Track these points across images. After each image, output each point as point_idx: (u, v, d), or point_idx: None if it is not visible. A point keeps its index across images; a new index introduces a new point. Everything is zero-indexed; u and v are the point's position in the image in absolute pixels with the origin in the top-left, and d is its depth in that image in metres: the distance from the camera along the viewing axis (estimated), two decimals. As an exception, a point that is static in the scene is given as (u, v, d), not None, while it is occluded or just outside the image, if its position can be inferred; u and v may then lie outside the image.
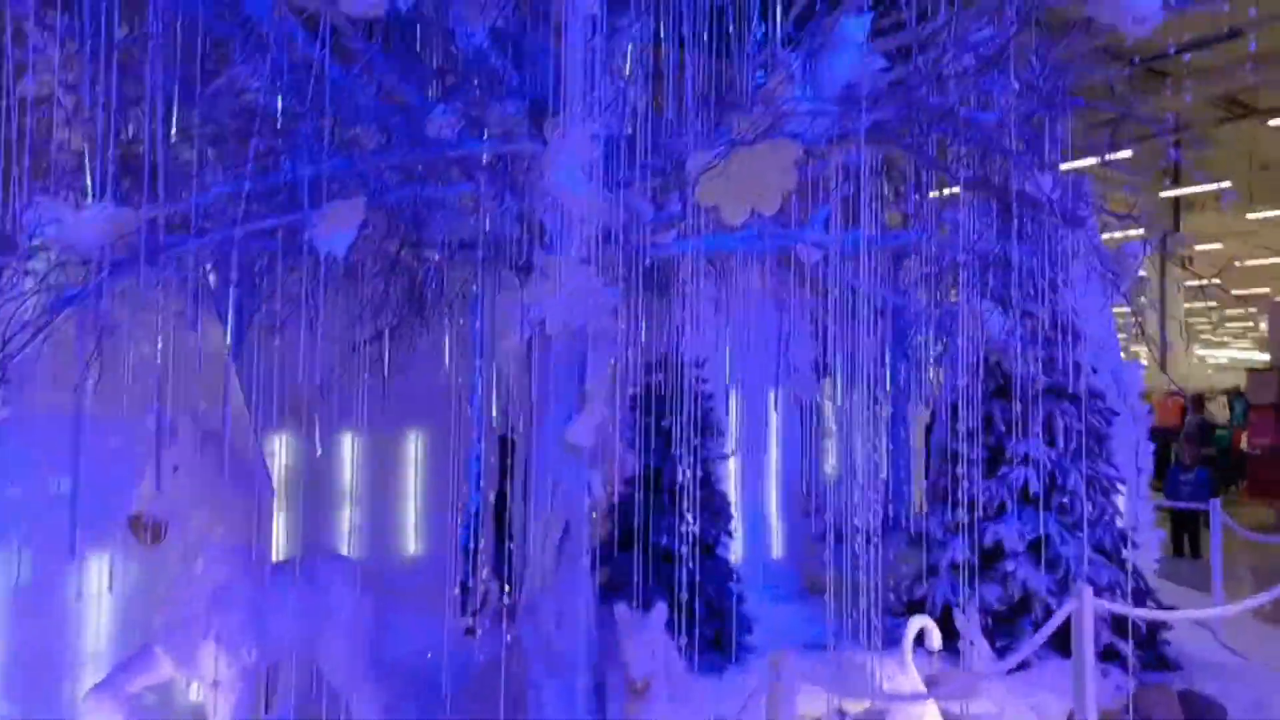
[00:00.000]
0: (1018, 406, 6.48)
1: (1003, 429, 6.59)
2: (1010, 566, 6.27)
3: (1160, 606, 6.69)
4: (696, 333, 6.60)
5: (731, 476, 8.22)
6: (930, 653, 5.45)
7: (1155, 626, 6.59)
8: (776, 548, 8.58)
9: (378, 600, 4.49)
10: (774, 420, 8.50)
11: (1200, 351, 51.37)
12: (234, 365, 4.94)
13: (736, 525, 8.29)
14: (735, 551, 8.26)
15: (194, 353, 4.64)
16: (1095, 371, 6.88)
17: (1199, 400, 18.01)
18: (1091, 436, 6.66)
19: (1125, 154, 18.90)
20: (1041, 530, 6.36)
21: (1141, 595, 6.57)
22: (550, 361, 3.72)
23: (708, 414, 6.67)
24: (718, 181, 2.53)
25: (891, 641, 6.89)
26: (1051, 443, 6.48)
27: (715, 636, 6.21)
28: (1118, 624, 6.38)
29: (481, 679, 5.17)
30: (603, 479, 3.88)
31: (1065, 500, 6.39)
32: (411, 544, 6.92)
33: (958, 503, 6.68)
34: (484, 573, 7.58)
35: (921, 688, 5.20)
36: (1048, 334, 6.55)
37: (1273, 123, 18.08)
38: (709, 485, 6.65)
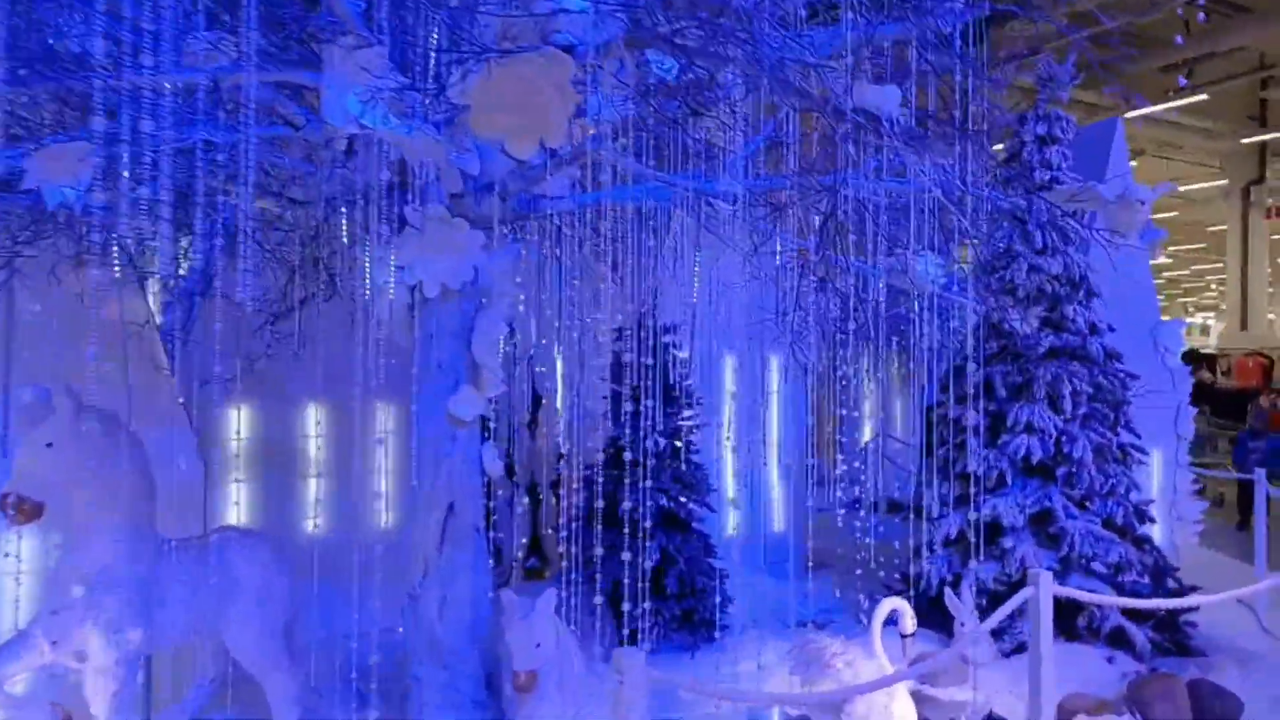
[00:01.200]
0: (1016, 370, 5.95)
1: (1004, 394, 6.05)
2: (1009, 543, 5.78)
3: (1181, 587, 6.09)
4: (667, 294, 6.25)
5: (726, 448, 7.86)
6: (904, 635, 5.03)
7: (1177, 608, 6.02)
8: (778, 521, 8.19)
9: (293, 578, 4.29)
10: (774, 388, 8.07)
11: (1296, 309, 48.28)
12: (159, 338, 4.79)
13: (734, 498, 7.97)
14: (728, 525, 7.92)
15: (112, 325, 4.50)
16: (1112, 330, 6.25)
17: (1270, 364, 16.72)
18: (1105, 401, 6.06)
19: (1200, 98, 17.49)
20: (1044, 505, 5.83)
21: (1160, 575, 5.99)
22: (430, 326, 3.42)
23: (682, 382, 6.31)
24: (489, 105, 2.17)
25: (889, 621, 6.49)
26: (1058, 408, 5.92)
27: (686, 615, 5.90)
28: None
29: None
30: (500, 453, 3.58)
31: (1071, 470, 5.84)
32: (383, 517, 6.76)
33: (956, 476, 6.20)
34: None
35: (889, 672, 4.80)
36: (1055, 289, 5.97)
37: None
38: (682, 456, 6.30)
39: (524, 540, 7.37)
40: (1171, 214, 29.57)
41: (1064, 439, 5.85)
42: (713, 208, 3.61)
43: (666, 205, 3.90)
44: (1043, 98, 6.27)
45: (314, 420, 6.33)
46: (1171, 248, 35.51)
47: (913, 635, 5.04)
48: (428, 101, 2.51)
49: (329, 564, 4.62)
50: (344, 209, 3.35)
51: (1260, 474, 7.36)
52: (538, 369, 7.52)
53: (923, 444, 8.09)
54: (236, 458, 6.13)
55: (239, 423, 6.28)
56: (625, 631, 5.84)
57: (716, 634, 6.14)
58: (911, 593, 6.47)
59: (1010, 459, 5.91)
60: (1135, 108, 17.07)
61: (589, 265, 4.91)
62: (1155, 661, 5.54)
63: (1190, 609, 6.08)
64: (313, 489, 6.32)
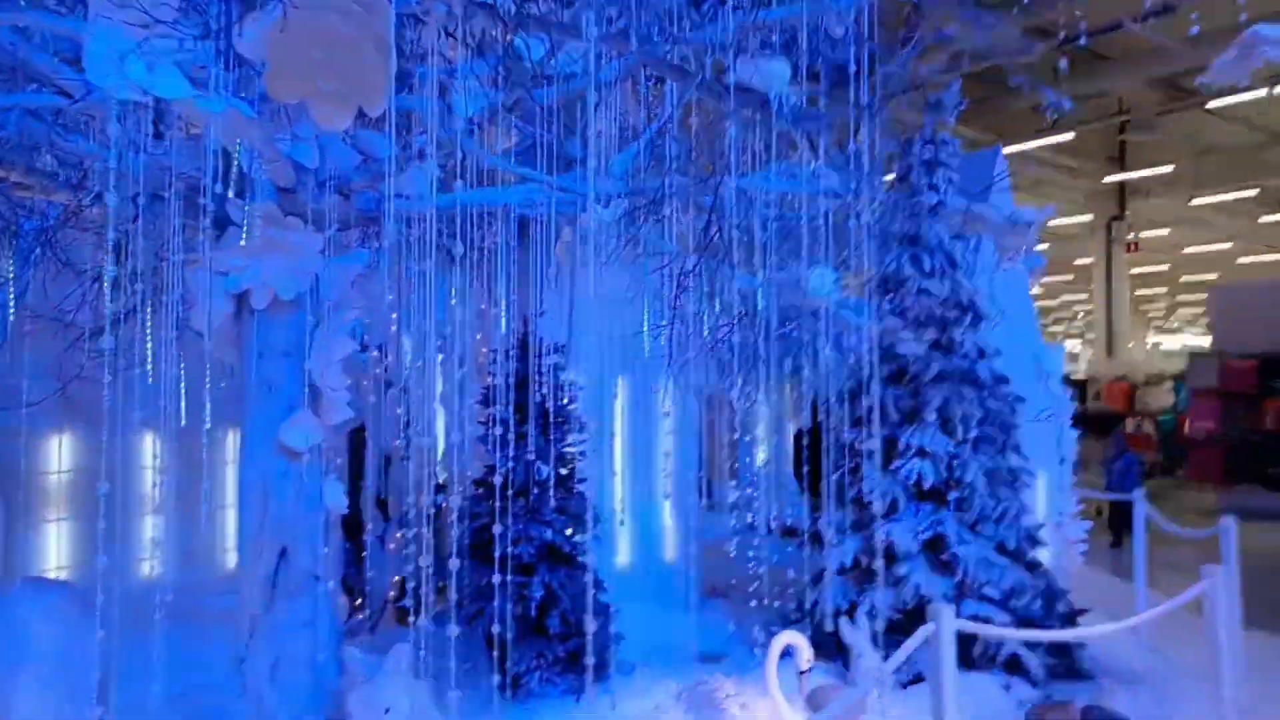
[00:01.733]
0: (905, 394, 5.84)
1: (896, 418, 5.93)
2: (903, 570, 5.62)
3: (1071, 610, 6.07)
4: (549, 311, 5.89)
5: (619, 477, 7.52)
6: (801, 671, 4.79)
7: (1069, 624, 5.98)
8: (670, 552, 7.88)
9: (91, 632, 3.69)
10: (666, 414, 7.79)
11: (1153, 338, 51.76)
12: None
13: (624, 528, 7.62)
14: (620, 555, 7.57)
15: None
16: (999, 354, 6.24)
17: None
18: (995, 425, 6.02)
19: (1066, 136, 18.31)
20: (937, 530, 5.71)
21: (1052, 598, 5.95)
22: (259, 342, 2.96)
23: (565, 406, 5.94)
24: (289, 63, 1.80)
25: (784, 654, 6.24)
26: (949, 432, 5.83)
27: (571, 656, 5.49)
28: (1022, 628, 5.76)
29: None
30: (343, 487, 3.12)
31: (963, 495, 5.75)
32: (229, 558, 6.11)
33: (851, 501, 6.04)
34: (329, 584, 6.80)
35: (787, 712, 4.53)
36: (944, 313, 5.91)
37: (1212, 104, 17.70)
38: (567, 486, 5.92)
39: (396, 579, 6.82)
40: (1042, 246, 31.07)
41: (955, 463, 5.77)
42: (590, 212, 3.29)
43: (538, 211, 3.56)
44: (929, 121, 6.26)
45: (150, 450, 5.67)
46: (1043, 278, 37.43)
47: (809, 670, 4.80)
48: (230, 67, 2.11)
49: (167, 612, 4.04)
50: (153, 204, 2.87)
51: (1139, 493, 7.51)
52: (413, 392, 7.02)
53: (797, 467, 7.97)
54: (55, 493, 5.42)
55: (60, 454, 5.57)
56: (505, 677, 5.40)
57: (607, 675, 5.75)
58: (807, 623, 6.27)
59: (903, 484, 5.78)
60: (1009, 144, 17.82)
61: (457, 278, 4.51)
62: (1049, 687, 5.46)
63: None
64: (149, 528, 5.65)
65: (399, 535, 6.92)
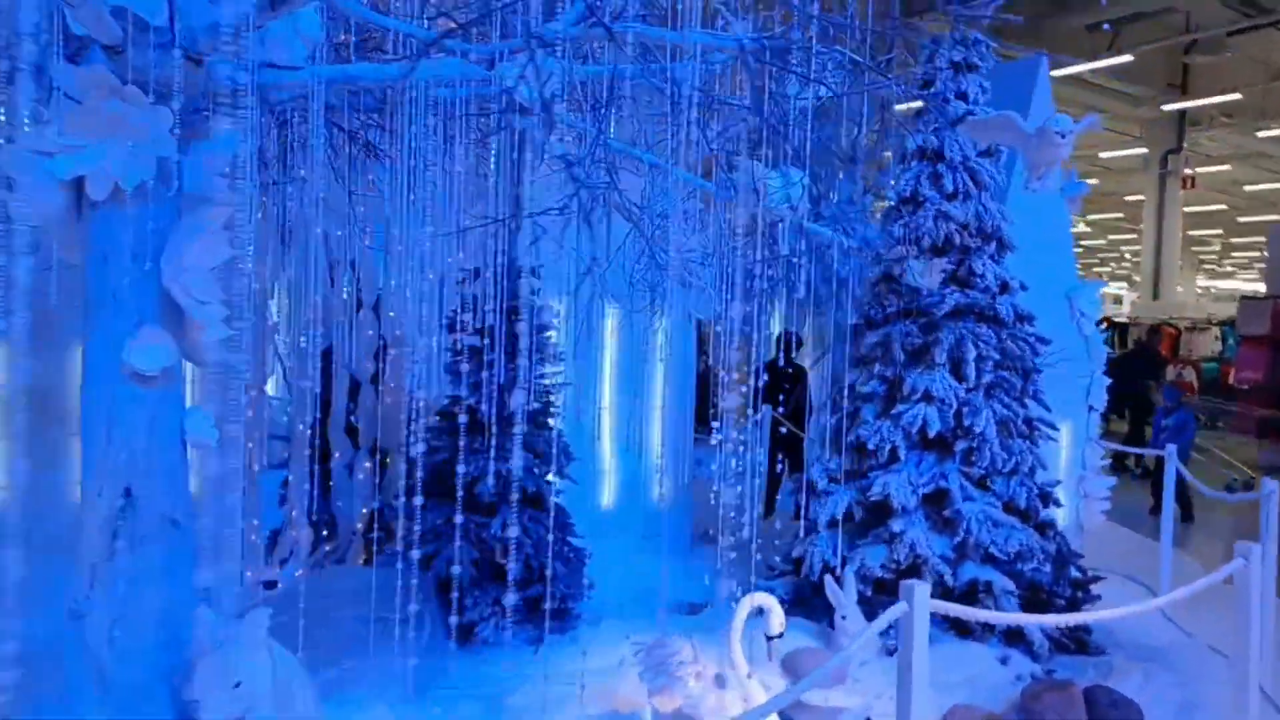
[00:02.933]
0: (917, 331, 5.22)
1: (902, 358, 5.31)
2: (899, 526, 5.08)
3: (1085, 577, 5.52)
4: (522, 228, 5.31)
5: (606, 412, 7.01)
6: (770, 637, 4.31)
7: (1079, 591, 5.45)
8: (659, 493, 7.41)
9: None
10: (659, 345, 7.23)
11: (1205, 282, 49.78)
12: None
13: (611, 468, 7.15)
14: (604, 496, 7.11)
15: None
16: (1025, 289, 5.56)
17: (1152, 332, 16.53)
18: (1014, 369, 5.38)
19: (1125, 58, 17.00)
20: (939, 484, 5.15)
21: (1063, 563, 5.39)
22: (102, 242, 2.44)
23: (541, 334, 5.40)
24: None
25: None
26: (961, 376, 5.21)
27: (532, 603, 5.06)
28: (1027, 595, 5.24)
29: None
30: (209, 417, 2.63)
31: (972, 446, 5.16)
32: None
33: (849, 447, 5.48)
34: (292, 514, 6.45)
35: (748, 684, 4.08)
36: (965, 240, 5.23)
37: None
38: (539, 421, 5.41)
39: (365, 511, 6.43)
40: (1091, 181, 29.62)
41: (965, 410, 5.16)
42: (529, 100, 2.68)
43: (455, 92, 2.94)
44: (958, 19, 5.45)
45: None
46: (1090, 215, 35.91)
47: (779, 636, 4.32)
48: None
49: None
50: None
51: (1171, 450, 6.86)
52: (389, 314, 6.53)
53: (756, 401, 7.38)
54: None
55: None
56: (455, 621, 5.00)
57: (573, 626, 5.34)
58: (794, 577, 5.79)
59: (905, 431, 5.19)
60: (1059, 66, 16.58)
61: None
62: (1053, 662, 4.95)
63: (1092, 598, 5.52)
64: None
65: (367, 465, 6.52)
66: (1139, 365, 13.58)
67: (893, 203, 5.54)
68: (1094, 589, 5.57)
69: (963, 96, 5.38)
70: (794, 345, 8.35)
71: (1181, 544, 9.26)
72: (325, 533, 6.42)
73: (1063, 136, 4.11)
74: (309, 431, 6.51)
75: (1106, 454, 7.60)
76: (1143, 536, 8.98)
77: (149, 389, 2.51)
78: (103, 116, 2.27)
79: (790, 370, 8.38)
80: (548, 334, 5.45)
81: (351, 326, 6.34)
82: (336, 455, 6.47)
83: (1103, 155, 26.23)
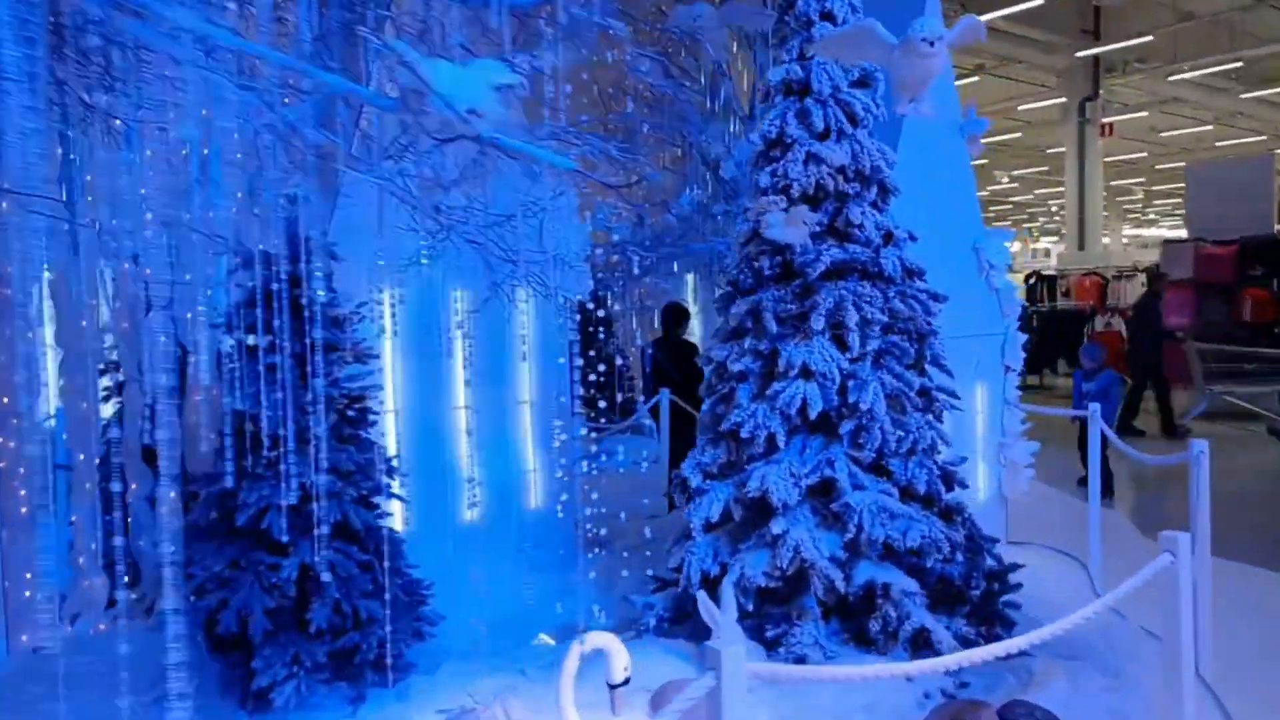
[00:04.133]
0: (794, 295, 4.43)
1: (775, 329, 4.52)
2: (780, 526, 4.30)
3: (1001, 565, 4.82)
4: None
5: (463, 413, 6.11)
6: (613, 686, 3.51)
7: (995, 583, 4.75)
8: (536, 499, 6.55)
9: None
10: (525, 330, 6.36)
11: (1131, 231, 50.47)
12: None
13: (471, 475, 6.26)
14: (466, 509, 6.23)
15: None
16: (913, 239, 4.80)
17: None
18: (905, 332, 4.63)
19: (1035, 2, 16.53)
20: (824, 474, 4.38)
21: (976, 552, 4.68)
22: None
23: (340, 322, 4.47)
24: None
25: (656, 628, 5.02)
26: (844, 345, 4.44)
27: (345, 654, 4.17)
28: (939, 591, 4.52)
29: None
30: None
31: (859, 425, 4.39)
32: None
33: (721, 436, 4.68)
34: (79, 560, 5.46)
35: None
36: (840, 186, 4.44)
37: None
38: (341, 434, 4.49)
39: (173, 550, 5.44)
40: (1014, 135, 29.49)
41: (850, 384, 4.39)
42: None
43: None
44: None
45: None
46: (1016, 170, 35.87)
47: (624, 684, 3.51)
48: None
49: None
50: None
51: (1095, 409, 6.22)
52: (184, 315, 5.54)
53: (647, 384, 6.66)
54: None
55: None
56: (246, 693, 4.09)
57: (402, 675, 4.46)
58: (676, 589, 5.00)
59: (783, 414, 4.40)
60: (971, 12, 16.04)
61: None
62: (963, 673, 4.22)
63: (1012, 587, 4.83)
64: None
65: (172, 495, 5.53)
66: (1141, 326, 12.82)
67: (758, 147, 4.73)
68: (1019, 566, 4.89)
69: (829, 16, 4.57)
70: (681, 319, 7.57)
71: (1117, 503, 8.74)
72: (127, 579, 5.44)
73: (931, 45, 3.32)
74: (96, 460, 5.53)
75: (1030, 417, 6.95)
76: (1069, 497, 8.42)
77: None
78: None
79: (680, 347, 7.59)
80: (349, 326, 4.52)
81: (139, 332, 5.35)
82: (134, 486, 5.47)
83: (1021, 108, 25.95)
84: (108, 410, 5.58)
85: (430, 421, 5.93)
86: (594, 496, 7.36)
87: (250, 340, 4.20)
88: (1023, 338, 6.74)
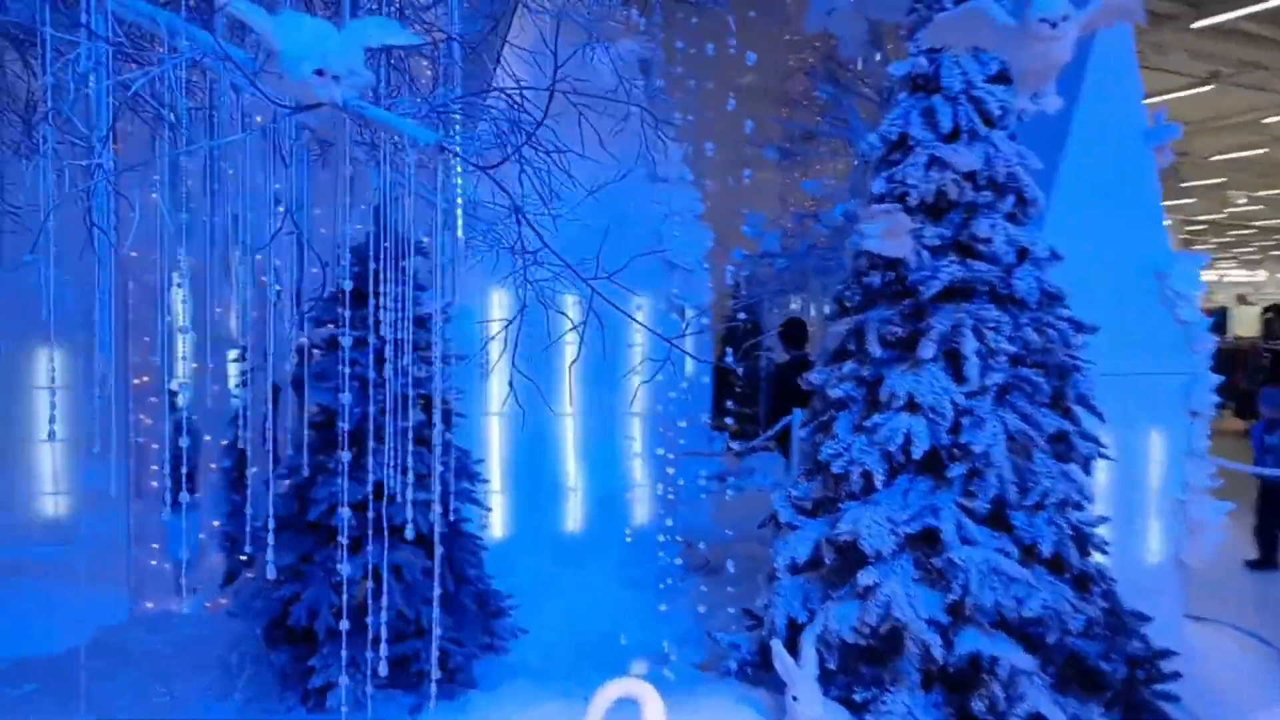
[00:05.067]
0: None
1: (880, 353, 4.01)
2: (871, 578, 3.80)
3: (1150, 650, 4.04)
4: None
5: (570, 420, 5.95)
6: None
7: (1144, 668, 3.99)
8: (642, 515, 6.28)
9: None
10: (639, 338, 6.12)
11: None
12: None
13: (574, 484, 6.07)
14: (570, 521, 6.04)
15: None
16: (1058, 258, 4.13)
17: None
18: (1040, 365, 3.98)
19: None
20: (927, 522, 3.83)
21: (1120, 630, 3.94)
22: None
23: (424, 321, 4.41)
24: None
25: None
26: (961, 375, 3.88)
27: (401, 663, 4.08)
28: (1068, 672, 3.84)
29: None
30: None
31: (974, 470, 3.81)
32: (52, 503, 5.09)
33: (817, 468, 4.24)
34: (201, 538, 5.75)
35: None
36: (968, 195, 3.91)
37: None
38: (425, 435, 4.41)
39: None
40: (1259, 150, 26.04)
41: (965, 421, 3.82)
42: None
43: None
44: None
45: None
46: (1260, 191, 31.71)
47: (657, 737, 3.17)
48: None
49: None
50: None
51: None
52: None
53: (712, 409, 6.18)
54: None
55: None
56: (310, 686, 4.09)
57: (466, 689, 4.32)
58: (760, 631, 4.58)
59: (882, 450, 3.90)
60: (1201, 16, 14.23)
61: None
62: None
63: (1167, 677, 4.04)
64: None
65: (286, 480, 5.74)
66: None
67: (879, 151, 4.25)
68: (1171, 653, 4.09)
69: None
70: (799, 336, 7.08)
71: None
72: (245, 557, 5.70)
73: (1053, 26, 2.77)
74: (223, 442, 5.83)
75: (1222, 473, 5.91)
76: (1252, 584, 7.10)
77: None
78: None
79: (797, 366, 7.10)
80: (434, 324, 4.45)
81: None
82: (253, 470, 5.73)
83: (1266, 121, 22.82)
84: (236, 394, 5.88)
85: (535, 428, 5.82)
86: (711, 518, 7.03)
87: (332, 335, 4.23)
88: (1215, 379, 5.74)
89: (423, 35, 1.81)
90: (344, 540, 3.36)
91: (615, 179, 2.98)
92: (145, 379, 5.54)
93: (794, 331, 7.06)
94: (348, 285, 3.66)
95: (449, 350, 4.48)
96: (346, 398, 3.52)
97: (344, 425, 3.75)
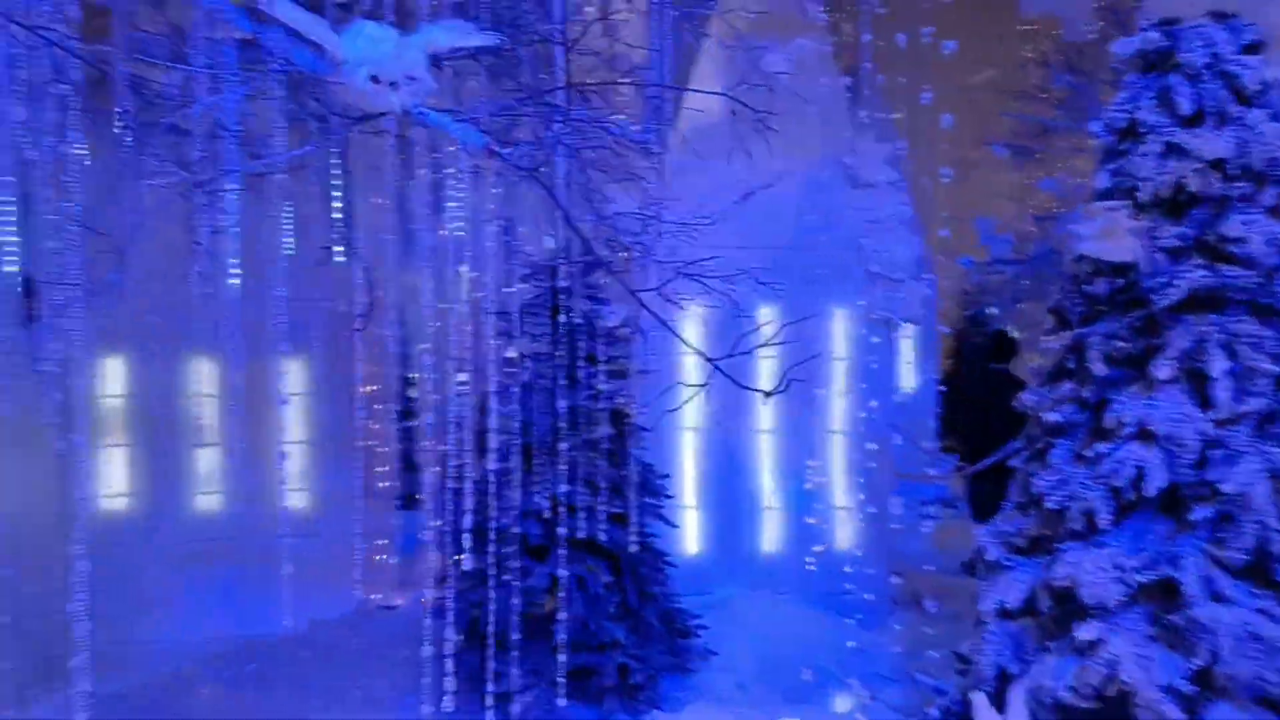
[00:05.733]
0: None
1: (1105, 372, 3.50)
2: (1093, 632, 3.31)
3: None
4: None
5: (765, 438, 5.74)
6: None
7: None
8: (847, 537, 5.92)
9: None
10: (842, 350, 5.81)
11: None
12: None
13: (772, 504, 5.85)
14: (766, 541, 5.81)
15: None
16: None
17: None
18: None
19: None
20: (1165, 571, 3.27)
21: None
22: None
23: (614, 342, 4.42)
24: None
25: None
26: (1206, 399, 3.29)
27: (582, 673, 4.08)
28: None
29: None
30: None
31: (1222, 512, 3.22)
32: (297, 496, 5.65)
33: (1030, 501, 3.79)
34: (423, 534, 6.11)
35: None
36: (1214, 189, 3.36)
37: None
38: (613, 450, 4.42)
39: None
40: None
41: (1212, 454, 3.23)
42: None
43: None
44: None
45: (204, 378, 5.33)
46: None
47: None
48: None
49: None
50: None
51: None
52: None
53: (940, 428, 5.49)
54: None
55: (116, 380, 5.44)
56: (491, 689, 4.21)
57: (646, 708, 4.28)
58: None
59: (1107, 485, 3.39)
60: None
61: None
62: None
63: None
64: (203, 460, 5.35)
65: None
66: None
67: (1106, 140, 3.73)
68: None
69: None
70: (1004, 350, 6.40)
71: None
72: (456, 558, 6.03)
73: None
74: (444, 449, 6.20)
75: None
76: None
77: None
78: None
79: (997, 384, 6.43)
80: (620, 338, 4.46)
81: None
82: (470, 475, 6.05)
83: None
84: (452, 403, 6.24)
85: (730, 445, 5.70)
86: (925, 547, 6.53)
87: (519, 348, 4.34)
88: None
89: (500, 36, 1.77)
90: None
91: (759, 188, 2.79)
92: (373, 388, 6.03)
93: (999, 346, 6.43)
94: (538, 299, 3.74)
95: (632, 365, 4.48)
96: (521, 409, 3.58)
97: (519, 439, 3.83)
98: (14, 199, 3.16)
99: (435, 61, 1.65)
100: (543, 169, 2.21)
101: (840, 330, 5.75)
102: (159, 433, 5.26)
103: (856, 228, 5.55)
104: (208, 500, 5.40)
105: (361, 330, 5.21)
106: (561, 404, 4.31)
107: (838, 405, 5.74)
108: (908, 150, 5.58)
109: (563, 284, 4.24)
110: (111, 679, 4.53)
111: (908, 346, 8.52)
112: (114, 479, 5.33)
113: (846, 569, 5.47)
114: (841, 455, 5.87)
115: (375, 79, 1.53)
